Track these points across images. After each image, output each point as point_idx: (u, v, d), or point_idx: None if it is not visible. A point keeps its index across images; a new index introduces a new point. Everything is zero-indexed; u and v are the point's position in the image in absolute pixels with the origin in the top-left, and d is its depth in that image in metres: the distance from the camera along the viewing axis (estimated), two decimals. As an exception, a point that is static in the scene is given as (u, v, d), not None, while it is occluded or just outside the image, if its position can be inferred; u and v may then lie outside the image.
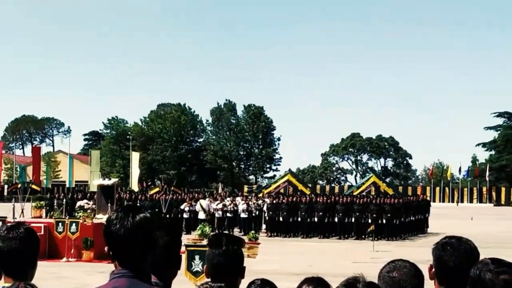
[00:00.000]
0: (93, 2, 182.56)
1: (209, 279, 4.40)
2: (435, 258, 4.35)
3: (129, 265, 3.59)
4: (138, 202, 41.32)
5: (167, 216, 38.89)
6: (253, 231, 25.37)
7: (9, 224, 4.60)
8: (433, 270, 4.33)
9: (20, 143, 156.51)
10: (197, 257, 14.50)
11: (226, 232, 33.86)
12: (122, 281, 3.57)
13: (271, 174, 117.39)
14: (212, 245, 4.46)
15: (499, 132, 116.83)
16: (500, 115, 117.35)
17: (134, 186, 58.67)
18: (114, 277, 3.62)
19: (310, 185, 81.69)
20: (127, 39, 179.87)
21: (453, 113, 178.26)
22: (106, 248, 3.65)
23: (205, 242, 17.68)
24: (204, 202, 41.09)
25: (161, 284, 3.91)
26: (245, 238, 23.20)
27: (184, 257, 13.47)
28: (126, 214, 3.62)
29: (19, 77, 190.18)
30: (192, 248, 15.36)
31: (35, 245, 4.49)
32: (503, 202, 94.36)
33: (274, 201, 40.55)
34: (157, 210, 37.87)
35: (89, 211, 28.50)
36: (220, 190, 66.34)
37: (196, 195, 46.32)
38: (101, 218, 28.16)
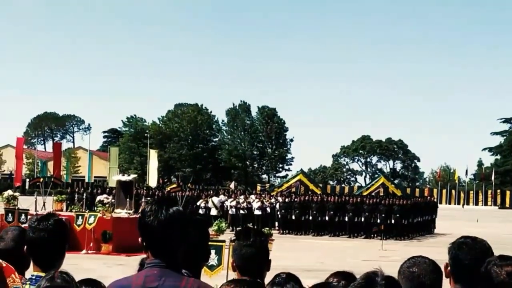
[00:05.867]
0: (111, 7, 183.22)
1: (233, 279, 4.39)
2: (451, 256, 4.39)
3: (161, 255, 3.66)
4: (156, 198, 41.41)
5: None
6: (267, 228, 25.39)
7: (40, 215, 4.63)
8: (449, 268, 4.36)
9: (42, 139, 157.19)
10: (213, 251, 14.50)
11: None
12: (155, 271, 3.64)
13: (283, 173, 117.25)
14: (241, 237, 4.48)
15: (505, 137, 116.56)
16: (506, 121, 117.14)
17: (151, 182, 58.74)
18: (147, 267, 3.68)
19: (321, 185, 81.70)
20: (147, 42, 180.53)
21: (460, 118, 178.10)
22: (140, 239, 3.69)
23: (221, 237, 17.73)
24: (216, 199, 41.36)
25: (191, 275, 3.92)
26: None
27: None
28: (160, 207, 3.67)
29: (42, 75, 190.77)
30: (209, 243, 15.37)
31: (64, 236, 4.51)
32: (507, 205, 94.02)
33: (287, 200, 40.66)
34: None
35: (107, 205, 28.53)
36: (232, 187, 66.36)
37: (211, 192, 46.49)
38: (120, 212, 28.30)
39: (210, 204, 40.91)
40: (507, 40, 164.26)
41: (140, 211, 3.83)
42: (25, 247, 4.43)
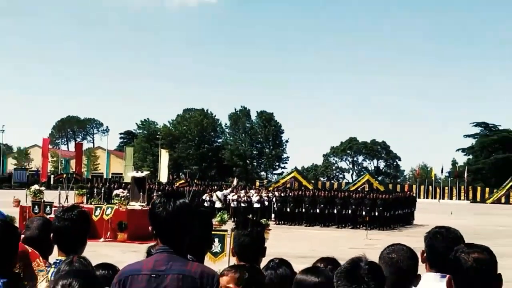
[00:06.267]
0: (129, 20, 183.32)
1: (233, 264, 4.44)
2: (426, 244, 4.38)
3: (169, 242, 3.69)
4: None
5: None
6: (265, 219, 25.39)
7: (65, 206, 4.66)
8: (425, 255, 4.36)
9: (65, 139, 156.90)
10: (216, 240, 14.56)
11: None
12: (163, 256, 3.68)
13: (279, 171, 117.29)
14: (239, 227, 4.53)
15: (476, 139, 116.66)
16: (477, 124, 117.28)
17: (162, 178, 58.69)
18: (156, 252, 3.72)
19: (313, 181, 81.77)
20: (159, 54, 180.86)
21: (437, 122, 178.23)
22: (150, 228, 3.73)
23: (224, 227, 17.75)
24: (220, 193, 41.46)
25: (195, 260, 3.95)
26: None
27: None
28: (168, 199, 3.71)
29: (65, 82, 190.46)
30: (212, 232, 15.39)
31: (86, 226, 4.55)
32: (478, 200, 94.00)
33: (282, 194, 40.65)
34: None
35: (123, 198, 28.52)
36: (234, 183, 66.32)
37: (215, 187, 46.51)
38: (134, 205, 28.28)
39: (214, 198, 41.01)
40: (482, 46, 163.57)
41: (151, 203, 3.87)
42: (51, 234, 4.47)
